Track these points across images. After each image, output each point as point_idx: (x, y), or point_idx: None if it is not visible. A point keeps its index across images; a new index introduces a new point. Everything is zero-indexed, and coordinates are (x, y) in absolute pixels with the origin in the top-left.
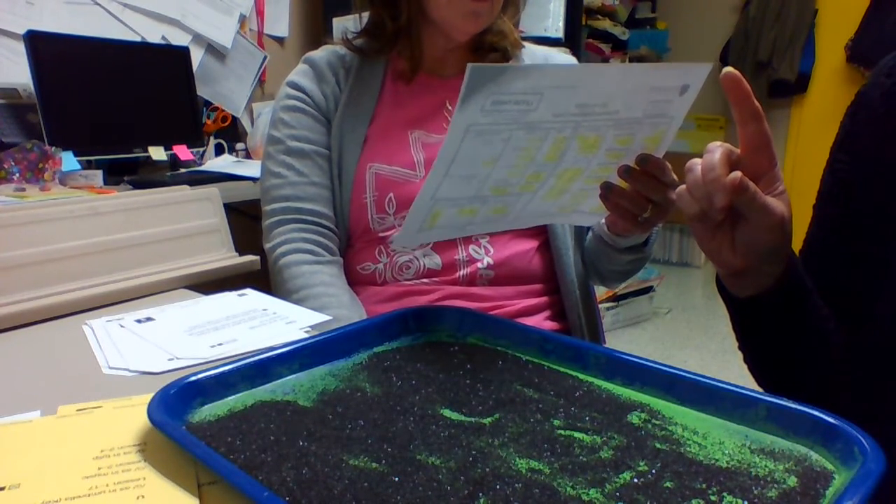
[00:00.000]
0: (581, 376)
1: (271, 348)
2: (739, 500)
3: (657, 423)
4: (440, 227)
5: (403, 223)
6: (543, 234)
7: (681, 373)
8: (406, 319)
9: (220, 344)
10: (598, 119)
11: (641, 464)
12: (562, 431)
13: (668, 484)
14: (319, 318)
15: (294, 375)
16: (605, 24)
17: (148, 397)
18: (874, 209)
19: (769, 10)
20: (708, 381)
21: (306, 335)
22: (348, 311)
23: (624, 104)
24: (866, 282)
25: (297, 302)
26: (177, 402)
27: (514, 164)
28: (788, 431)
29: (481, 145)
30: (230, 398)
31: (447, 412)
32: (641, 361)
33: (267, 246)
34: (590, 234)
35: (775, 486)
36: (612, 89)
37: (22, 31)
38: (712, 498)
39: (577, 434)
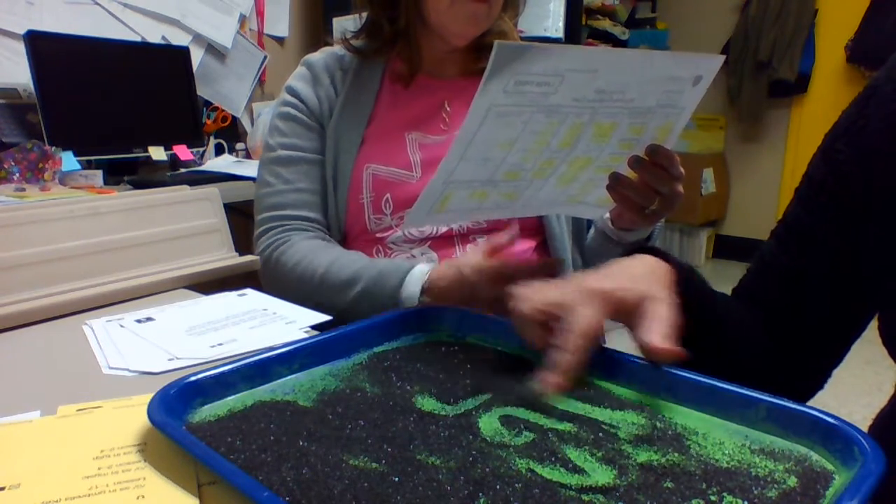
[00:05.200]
0: (580, 376)
1: (271, 348)
2: (739, 500)
3: (657, 423)
4: (450, 210)
5: (415, 204)
6: (541, 234)
7: (681, 373)
8: (406, 319)
9: (220, 344)
10: (615, 106)
11: (641, 463)
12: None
13: (668, 484)
14: (319, 318)
15: (294, 375)
16: (605, 24)
17: (148, 397)
18: (871, 204)
19: (769, 10)
20: (708, 381)
21: (306, 335)
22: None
23: (640, 92)
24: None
25: (325, 277)
26: (177, 402)
27: (529, 149)
28: (788, 431)
29: (501, 127)
30: (230, 398)
31: (447, 412)
32: (641, 361)
33: (256, 254)
34: (592, 230)
35: (775, 486)
36: (631, 76)
37: (22, 31)
38: (712, 498)
39: (577, 434)
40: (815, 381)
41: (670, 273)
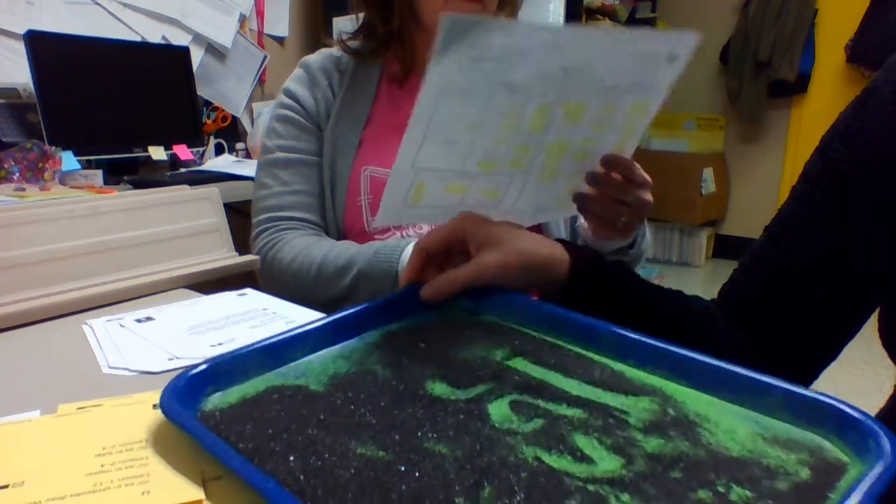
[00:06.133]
0: (595, 358)
1: (283, 332)
2: (748, 492)
3: (669, 409)
4: (427, 205)
5: (384, 197)
6: (537, 230)
7: (695, 355)
8: (420, 296)
9: (220, 343)
10: (583, 84)
11: (650, 452)
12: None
13: (675, 474)
14: (320, 317)
15: (306, 358)
16: (604, 24)
17: (148, 396)
18: (868, 206)
19: (769, 10)
20: (723, 364)
21: None
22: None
23: (609, 70)
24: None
25: (322, 268)
26: (189, 391)
27: (498, 134)
28: (802, 420)
29: (460, 106)
30: (242, 385)
31: (457, 396)
32: (655, 343)
33: (253, 254)
34: (579, 240)
35: (786, 477)
36: (598, 53)
37: (22, 31)
38: (720, 489)
39: (587, 420)
40: (799, 379)
41: (564, 253)
